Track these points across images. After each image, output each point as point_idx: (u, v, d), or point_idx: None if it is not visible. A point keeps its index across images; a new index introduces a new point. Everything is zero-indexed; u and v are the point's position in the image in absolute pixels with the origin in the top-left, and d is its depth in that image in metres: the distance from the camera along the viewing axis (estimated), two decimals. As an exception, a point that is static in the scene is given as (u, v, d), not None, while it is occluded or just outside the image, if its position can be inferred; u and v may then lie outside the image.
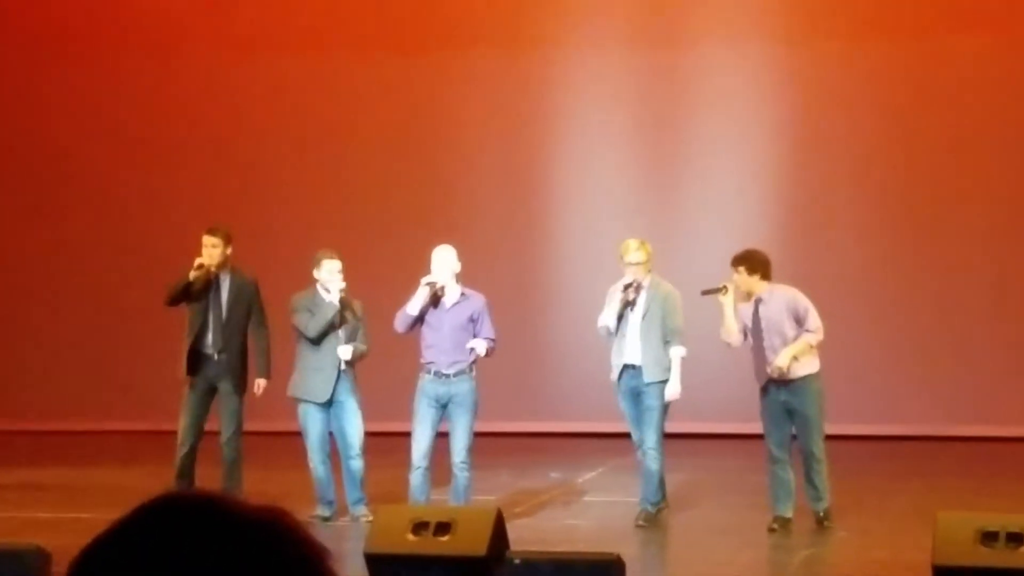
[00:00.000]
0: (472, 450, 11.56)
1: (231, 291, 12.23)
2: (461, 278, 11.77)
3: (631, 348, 11.68)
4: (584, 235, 17.08)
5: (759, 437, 11.75)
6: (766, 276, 11.53)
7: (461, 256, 11.81)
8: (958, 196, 16.70)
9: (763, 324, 11.44)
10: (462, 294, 11.71)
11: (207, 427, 12.24)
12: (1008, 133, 16.64)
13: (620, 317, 11.68)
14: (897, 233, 16.80)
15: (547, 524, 11.88)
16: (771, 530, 11.35)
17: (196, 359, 12.17)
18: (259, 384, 12.31)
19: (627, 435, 12.00)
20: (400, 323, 11.65)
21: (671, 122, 17.27)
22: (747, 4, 17.20)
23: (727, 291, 11.55)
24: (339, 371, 11.86)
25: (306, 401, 11.90)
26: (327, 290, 11.87)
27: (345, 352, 11.84)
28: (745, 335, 11.57)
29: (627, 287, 11.64)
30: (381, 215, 17.36)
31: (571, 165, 17.48)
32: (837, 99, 16.94)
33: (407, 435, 11.66)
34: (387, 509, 10.02)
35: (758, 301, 11.49)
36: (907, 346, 16.73)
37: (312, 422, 11.89)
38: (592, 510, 12.72)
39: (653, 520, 11.76)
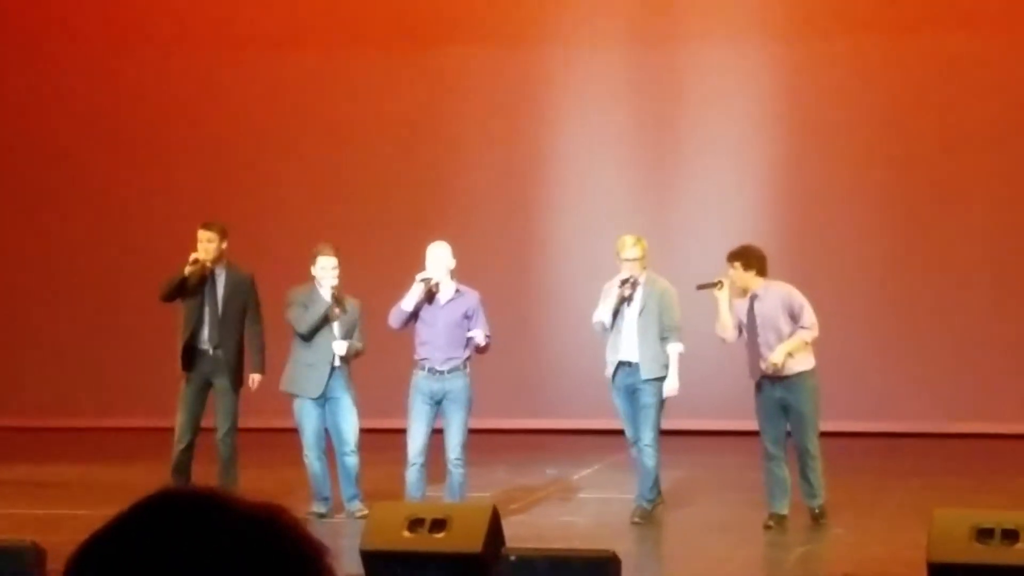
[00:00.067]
0: (467, 447, 11.56)
1: (227, 286, 12.22)
2: (457, 275, 11.77)
3: (627, 344, 11.68)
4: (581, 232, 17.07)
5: (755, 434, 11.75)
6: (762, 272, 11.53)
7: (458, 253, 11.81)
8: (956, 194, 16.70)
9: (758, 320, 11.44)
10: (456, 291, 11.70)
11: (203, 424, 12.23)
12: (1004, 129, 16.63)
13: (616, 313, 11.68)
14: (894, 230, 16.80)
15: (543, 521, 11.88)
16: (767, 527, 11.36)
17: (192, 355, 12.16)
18: (253, 379, 12.29)
19: (623, 432, 11.99)
20: (394, 319, 11.64)
21: (669, 120, 17.26)
22: (746, 2, 17.19)
23: (722, 286, 11.55)
24: (332, 367, 11.86)
25: (301, 397, 11.90)
26: (323, 285, 11.88)
27: (340, 348, 11.83)
28: (740, 331, 11.57)
29: (624, 283, 11.63)
30: (378, 212, 17.35)
31: (568, 163, 17.47)
32: (835, 97, 16.93)
33: (402, 432, 11.66)
34: (383, 506, 10.01)
35: (753, 297, 11.48)
36: (904, 343, 16.73)
37: (308, 418, 11.88)
38: (588, 507, 12.72)
39: (649, 517, 11.76)
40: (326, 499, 11.90)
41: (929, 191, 16.74)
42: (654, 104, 17.24)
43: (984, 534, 8.72)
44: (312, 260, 11.89)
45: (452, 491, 11.53)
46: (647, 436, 11.62)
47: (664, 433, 11.89)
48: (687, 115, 17.24)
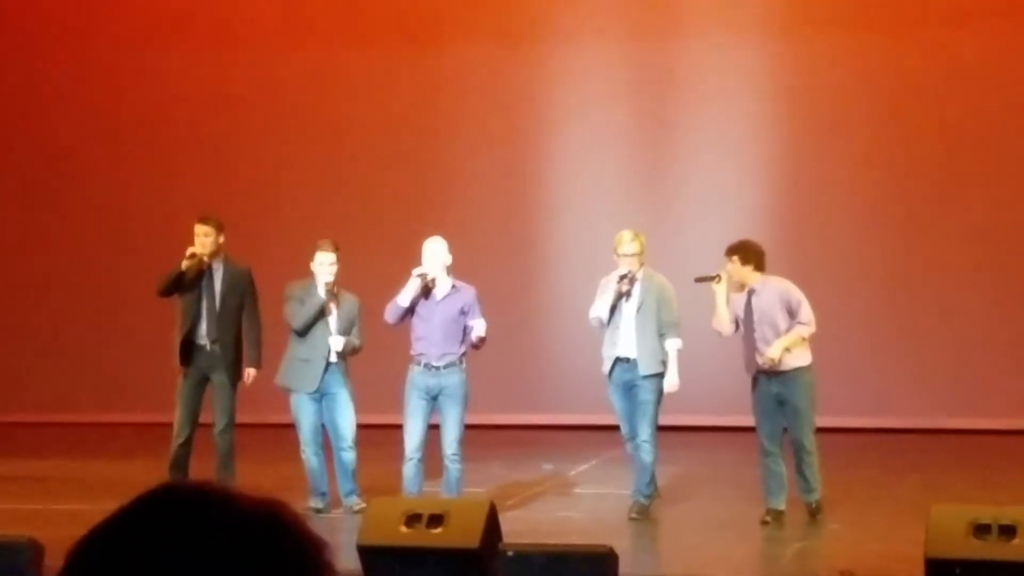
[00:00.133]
0: (463, 442, 11.56)
1: (224, 281, 12.21)
2: (455, 271, 11.77)
3: (625, 340, 11.67)
4: (579, 229, 17.07)
5: (752, 430, 11.75)
6: (760, 267, 11.53)
7: (455, 249, 11.80)
8: (953, 189, 16.70)
9: (755, 315, 11.43)
10: (453, 286, 11.70)
11: (201, 419, 12.22)
12: (1002, 127, 16.63)
13: (613, 309, 11.67)
14: (892, 227, 16.81)
15: (540, 516, 11.88)
16: (764, 523, 11.36)
17: (189, 350, 12.15)
18: (249, 374, 12.27)
19: (619, 428, 11.98)
20: (390, 314, 11.63)
21: (668, 118, 17.26)
22: (745, 0, 17.17)
23: (720, 280, 11.55)
24: (328, 363, 11.85)
25: (297, 392, 11.89)
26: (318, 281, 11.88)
27: (337, 343, 11.83)
28: (737, 325, 11.57)
29: (622, 278, 11.62)
30: (377, 209, 17.35)
31: (567, 160, 17.47)
32: (834, 94, 16.93)
33: (399, 427, 11.66)
34: (380, 501, 10.00)
35: (751, 292, 11.48)
36: (902, 339, 16.74)
37: (304, 414, 11.88)
38: (585, 502, 12.72)
39: (646, 512, 11.76)
40: (323, 494, 11.90)
41: (926, 189, 16.74)
42: (653, 102, 17.23)
43: (981, 530, 8.73)
44: (313, 254, 11.92)
45: (449, 487, 11.53)
46: (645, 432, 11.61)
47: (661, 429, 11.89)
48: (686, 113, 17.24)
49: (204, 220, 12.25)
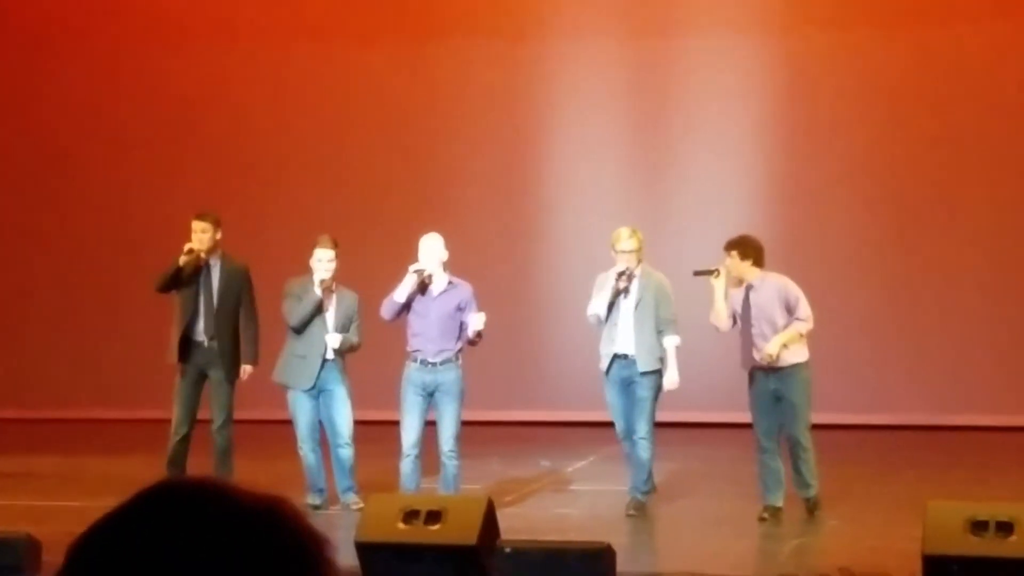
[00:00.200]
0: (460, 438, 11.56)
1: (222, 277, 12.20)
2: (452, 268, 11.76)
3: (623, 337, 11.66)
4: (576, 226, 17.07)
5: (749, 426, 11.75)
6: (758, 263, 11.53)
7: (454, 247, 11.80)
8: (950, 187, 16.70)
9: (753, 311, 11.43)
10: (449, 282, 11.69)
11: (198, 415, 12.22)
12: (1001, 126, 16.63)
13: (611, 306, 11.66)
14: (888, 224, 16.81)
15: (537, 513, 11.88)
16: (761, 519, 11.36)
17: (187, 346, 12.14)
18: (245, 370, 12.26)
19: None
20: (386, 310, 11.62)
21: (666, 116, 17.25)
22: (744, -2, 17.19)
23: (719, 274, 11.54)
24: (325, 360, 11.84)
25: (294, 389, 11.89)
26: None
27: (333, 340, 11.82)
28: (734, 320, 11.57)
29: (620, 275, 11.61)
30: (374, 206, 17.34)
31: (565, 157, 17.46)
32: (832, 90, 16.92)
33: (397, 424, 11.66)
34: (378, 498, 10.01)
35: (749, 288, 11.48)
36: (898, 336, 16.75)
37: (302, 410, 11.87)
38: (582, 499, 12.72)
39: (643, 509, 11.76)
40: (321, 491, 11.89)
41: (925, 188, 16.73)
42: (652, 101, 17.22)
43: (979, 526, 8.74)
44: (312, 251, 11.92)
45: (446, 483, 11.53)
46: (642, 429, 11.61)
47: (658, 425, 11.89)
48: (685, 112, 17.22)
49: (201, 216, 12.25)
